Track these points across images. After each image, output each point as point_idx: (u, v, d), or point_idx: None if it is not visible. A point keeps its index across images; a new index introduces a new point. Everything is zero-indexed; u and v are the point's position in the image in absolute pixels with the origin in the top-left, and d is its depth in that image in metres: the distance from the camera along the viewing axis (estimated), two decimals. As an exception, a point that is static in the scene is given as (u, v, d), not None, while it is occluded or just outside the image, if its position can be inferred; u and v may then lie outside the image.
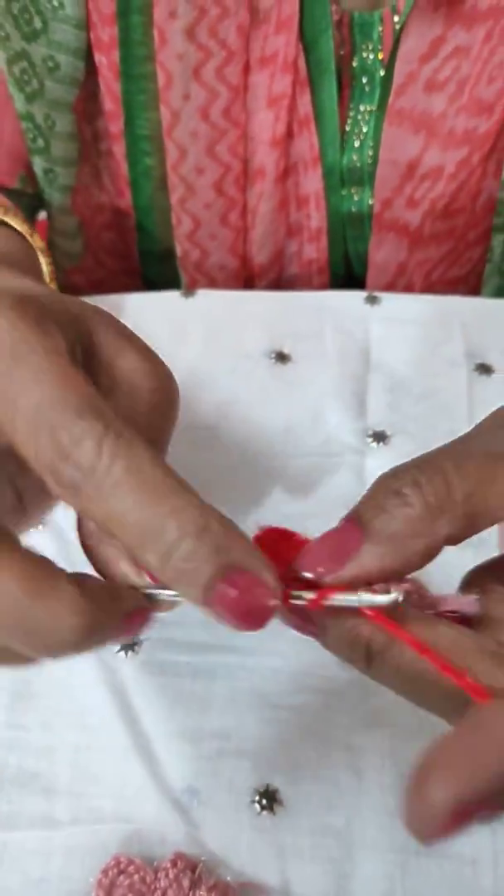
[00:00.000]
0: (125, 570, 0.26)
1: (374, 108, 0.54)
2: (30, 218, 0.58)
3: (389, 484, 0.25)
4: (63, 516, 0.38)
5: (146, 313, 0.53)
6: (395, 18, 0.51)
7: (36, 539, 0.41)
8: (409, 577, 0.26)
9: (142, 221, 0.59)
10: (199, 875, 0.33)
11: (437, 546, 0.25)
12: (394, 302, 0.54)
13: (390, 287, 0.59)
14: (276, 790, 0.35)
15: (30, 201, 0.57)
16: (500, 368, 0.50)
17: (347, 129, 0.55)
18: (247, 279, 0.60)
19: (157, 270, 0.61)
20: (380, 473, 0.26)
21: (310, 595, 0.25)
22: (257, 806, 0.35)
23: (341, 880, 0.33)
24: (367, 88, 0.54)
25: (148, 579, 0.26)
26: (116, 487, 0.23)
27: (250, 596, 0.23)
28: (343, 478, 0.45)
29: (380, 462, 0.46)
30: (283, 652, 0.38)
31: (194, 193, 0.56)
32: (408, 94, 0.52)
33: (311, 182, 0.56)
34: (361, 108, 0.54)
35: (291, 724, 0.37)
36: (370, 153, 0.55)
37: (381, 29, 0.52)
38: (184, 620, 0.37)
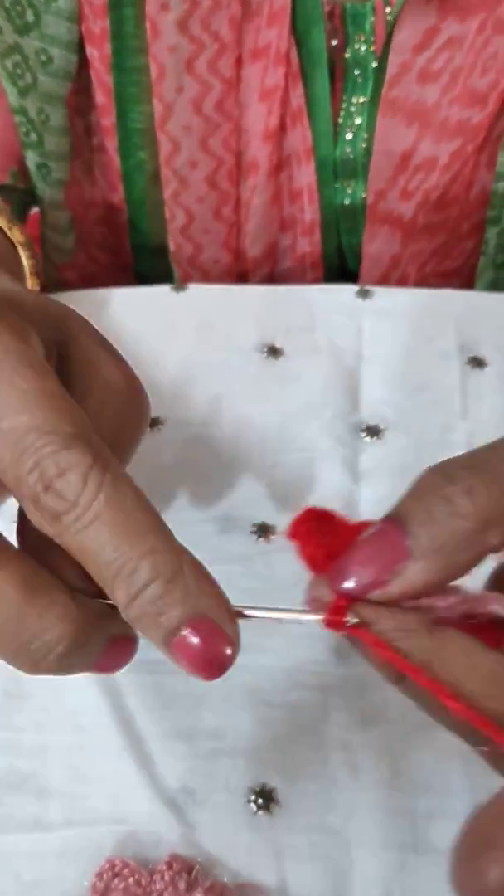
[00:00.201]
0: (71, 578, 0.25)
1: (366, 99, 0.54)
2: (21, 214, 0.58)
3: (439, 487, 0.24)
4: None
5: (136, 308, 0.53)
6: (388, 10, 0.51)
7: None
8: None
9: (134, 216, 0.59)
10: (196, 877, 0.32)
11: (484, 556, 0.24)
12: (386, 295, 0.53)
13: (384, 280, 0.58)
14: (273, 789, 0.35)
15: (21, 196, 0.57)
16: (494, 362, 0.50)
17: (340, 121, 0.55)
18: (240, 274, 0.59)
19: (150, 266, 0.61)
20: (426, 469, 0.24)
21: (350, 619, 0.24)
22: (253, 805, 0.35)
23: (339, 879, 0.33)
24: (359, 80, 0.53)
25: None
26: (96, 522, 0.22)
27: (211, 647, 0.23)
28: (337, 472, 0.45)
29: (373, 456, 0.46)
30: (276, 649, 0.38)
31: (187, 187, 0.55)
32: (401, 84, 0.52)
33: (305, 175, 0.55)
34: (354, 99, 0.54)
35: (287, 721, 0.36)
36: (363, 145, 0.55)
37: (373, 20, 0.52)
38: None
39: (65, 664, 0.24)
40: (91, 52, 0.52)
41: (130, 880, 0.32)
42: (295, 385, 0.49)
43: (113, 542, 0.22)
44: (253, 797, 0.35)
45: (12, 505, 0.25)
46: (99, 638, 0.24)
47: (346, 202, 0.57)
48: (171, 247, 0.58)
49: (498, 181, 0.55)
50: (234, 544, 0.41)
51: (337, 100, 0.54)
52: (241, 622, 0.24)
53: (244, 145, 0.54)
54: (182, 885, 0.32)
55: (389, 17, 0.51)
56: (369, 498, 0.44)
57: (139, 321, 0.52)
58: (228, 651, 0.23)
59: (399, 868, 0.33)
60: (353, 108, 0.54)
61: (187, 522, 0.42)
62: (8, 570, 0.23)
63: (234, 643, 0.23)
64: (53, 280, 0.62)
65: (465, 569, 0.24)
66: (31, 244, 0.47)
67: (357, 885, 0.33)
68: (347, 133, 0.55)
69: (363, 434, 0.47)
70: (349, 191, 0.57)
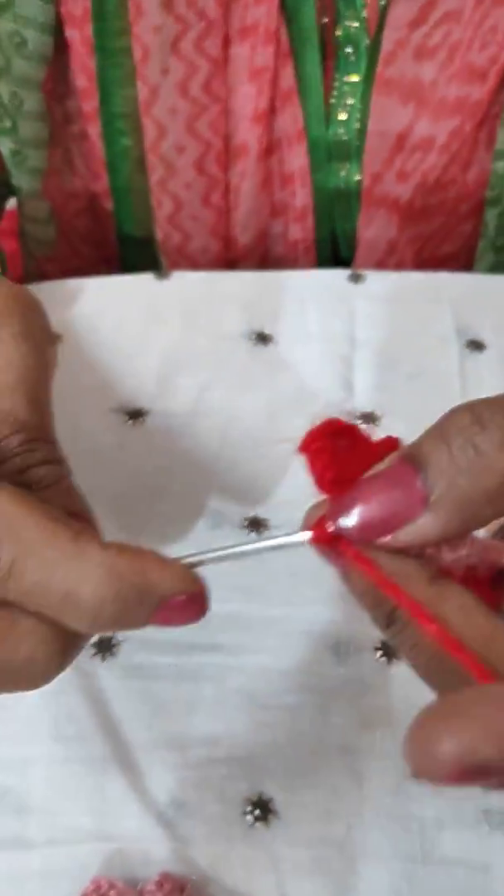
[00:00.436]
0: None
1: (360, 78, 0.53)
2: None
3: (468, 431, 0.21)
4: None
5: (119, 297, 0.51)
6: (380, -15, 0.50)
7: None
8: None
9: (119, 205, 0.57)
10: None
11: None
12: (378, 279, 0.52)
13: (380, 266, 0.57)
14: (270, 799, 0.33)
15: None
16: (492, 344, 0.49)
17: (332, 101, 0.54)
18: (230, 262, 0.58)
19: (137, 257, 0.60)
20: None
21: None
22: (250, 817, 0.33)
23: (344, 894, 0.31)
24: (351, 58, 0.52)
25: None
26: (15, 567, 0.22)
27: (184, 614, 0.23)
28: (333, 463, 0.43)
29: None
30: (272, 649, 0.37)
31: (174, 173, 0.54)
32: (397, 62, 0.50)
33: (296, 158, 0.54)
34: (346, 78, 0.53)
35: (284, 726, 0.35)
36: (357, 126, 0.54)
37: (365, -5, 0.50)
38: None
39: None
40: (71, 34, 0.50)
41: (118, 901, 0.30)
42: (285, 373, 0.47)
43: (42, 580, 0.22)
44: (249, 808, 0.33)
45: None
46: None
47: (340, 186, 0.56)
48: (159, 236, 0.57)
49: (497, 160, 0.54)
50: (225, 539, 0.39)
51: (328, 79, 0.53)
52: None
53: (233, 128, 0.53)
54: (174, 905, 0.30)
55: (382, -8, 0.49)
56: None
57: (121, 310, 0.50)
58: (201, 601, 0.24)
59: (408, 880, 0.32)
60: (345, 88, 0.53)
61: (176, 518, 0.40)
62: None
63: (203, 593, 0.24)
64: (35, 274, 0.61)
65: (483, 524, 0.22)
66: None
67: (363, 900, 0.31)
68: (340, 113, 0.54)
69: (359, 422, 0.45)
70: (342, 173, 0.56)
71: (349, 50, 0.52)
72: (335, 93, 0.53)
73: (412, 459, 0.22)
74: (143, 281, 0.52)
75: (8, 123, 0.52)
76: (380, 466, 0.23)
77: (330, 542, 0.22)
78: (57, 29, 0.50)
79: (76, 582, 0.22)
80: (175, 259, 0.58)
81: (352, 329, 0.50)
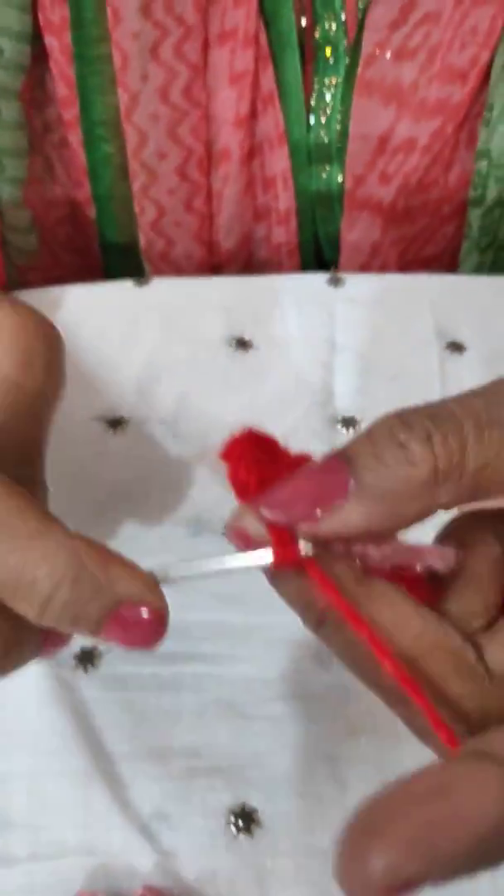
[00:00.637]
0: None
1: (339, 80, 0.52)
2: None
3: (395, 431, 0.22)
4: None
5: (99, 305, 0.51)
6: (357, -14, 0.50)
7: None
8: None
9: (101, 213, 0.57)
10: (172, 908, 0.31)
11: (433, 512, 0.22)
12: (358, 282, 0.52)
13: (365, 268, 0.57)
14: (254, 809, 0.33)
15: None
16: (472, 346, 0.49)
17: (313, 103, 0.53)
18: (214, 267, 0.58)
19: (120, 264, 0.59)
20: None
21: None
22: (233, 828, 0.33)
23: None
24: (331, 60, 0.52)
25: None
26: None
27: (140, 627, 0.22)
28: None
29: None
30: (254, 658, 0.36)
31: (157, 180, 0.54)
32: (377, 64, 0.50)
33: (278, 161, 0.54)
34: (326, 80, 0.53)
35: (267, 735, 0.35)
36: (338, 128, 0.54)
37: (343, -4, 0.50)
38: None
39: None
40: (50, 42, 0.50)
41: (100, 915, 0.30)
42: (265, 378, 0.47)
43: (2, 557, 0.21)
44: (233, 819, 0.33)
45: None
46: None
47: (322, 188, 0.56)
48: (142, 243, 0.57)
49: (479, 160, 0.53)
50: (206, 547, 0.40)
51: (308, 81, 0.53)
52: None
53: (214, 133, 0.53)
54: (157, 919, 0.30)
55: (360, -7, 0.49)
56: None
57: (101, 318, 0.50)
58: (159, 620, 0.23)
59: None
60: (325, 90, 0.53)
61: (156, 526, 0.40)
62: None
63: (163, 611, 0.23)
64: (17, 282, 0.61)
65: (409, 521, 0.22)
66: None
67: (346, 911, 0.31)
68: (321, 116, 0.54)
69: (339, 426, 0.45)
70: (324, 176, 0.55)
71: (329, 52, 0.52)
72: (315, 95, 0.53)
73: (341, 455, 0.22)
74: (122, 288, 0.52)
75: None
76: (309, 466, 0.23)
77: (295, 565, 0.22)
78: (35, 37, 0.50)
79: (35, 561, 0.21)
80: (158, 265, 0.58)
81: (332, 333, 0.49)
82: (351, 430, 0.45)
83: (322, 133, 0.54)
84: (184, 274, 0.57)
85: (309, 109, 0.53)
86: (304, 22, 0.51)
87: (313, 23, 0.51)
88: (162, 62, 0.50)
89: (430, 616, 0.22)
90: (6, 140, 0.52)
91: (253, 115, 0.52)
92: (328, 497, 0.22)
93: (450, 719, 0.21)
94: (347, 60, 0.51)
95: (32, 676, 0.35)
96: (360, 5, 0.49)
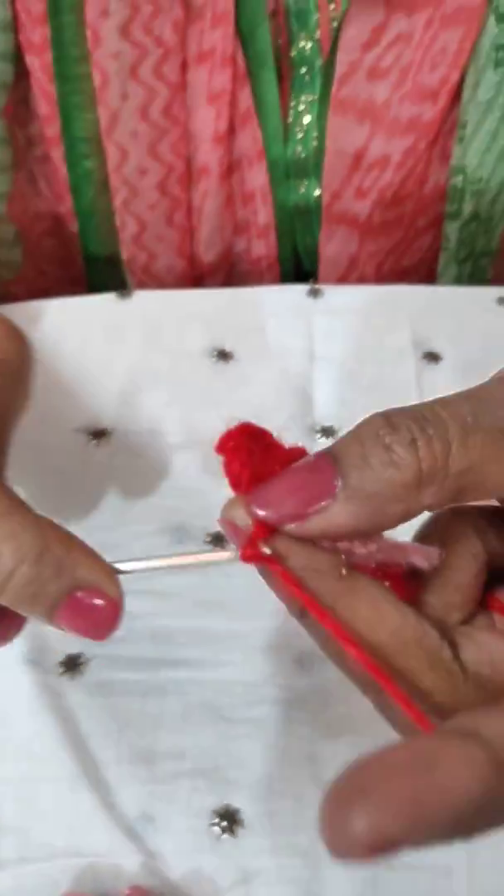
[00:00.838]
0: None
1: (315, 97, 0.53)
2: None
3: (381, 434, 0.22)
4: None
5: (82, 318, 0.51)
6: (331, 6, 0.51)
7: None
8: None
9: (84, 227, 0.58)
10: (158, 907, 0.31)
11: (417, 513, 0.23)
12: (337, 294, 0.53)
13: (343, 280, 0.58)
14: (237, 810, 0.34)
15: None
16: (448, 356, 0.49)
17: (290, 120, 0.54)
18: (195, 280, 0.58)
19: (103, 277, 0.60)
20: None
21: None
22: (217, 828, 0.33)
23: None
24: (306, 78, 0.53)
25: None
26: None
27: (95, 614, 0.23)
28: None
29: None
30: (236, 662, 0.37)
31: (137, 195, 0.55)
32: (351, 83, 0.51)
33: (257, 177, 0.55)
34: (302, 98, 0.53)
35: (249, 738, 0.35)
36: (314, 143, 0.54)
37: (317, 16, 0.51)
38: (130, 636, 0.36)
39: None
40: (31, 61, 0.51)
41: (87, 916, 0.30)
42: (246, 389, 0.48)
43: None
44: (216, 820, 0.33)
45: None
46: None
47: (300, 203, 0.56)
48: (124, 256, 0.57)
49: (454, 175, 0.54)
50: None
51: (284, 99, 0.53)
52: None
53: (193, 150, 0.53)
54: (143, 918, 0.30)
55: (334, 14, 0.50)
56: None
57: (84, 331, 0.50)
58: (113, 611, 0.23)
59: (372, 886, 0.32)
60: (301, 107, 0.54)
61: (139, 534, 0.40)
62: None
63: (118, 603, 0.23)
64: (1, 296, 0.61)
65: (394, 522, 0.23)
66: None
67: (328, 907, 0.31)
68: (297, 132, 0.54)
69: (318, 435, 0.46)
70: (302, 190, 0.56)
71: (304, 70, 0.52)
72: (292, 112, 0.54)
73: (328, 454, 0.23)
74: (104, 301, 0.52)
75: None
76: (299, 462, 0.24)
77: (259, 561, 0.23)
78: (17, 56, 0.50)
79: (1, 537, 0.22)
80: (141, 278, 0.58)
81: (310, 344, 0.50)
82: (330, 438, 0.45)
83: (299, 149, 0.55)
84: (166, 287, 0.58)
85: (286, 126, 0.54)
86: (279, 41, 0.51)
87: (289, 43, 0.52)
88: (141, 81, 0.50)
89: (409, 612, 0.23)
90: None
91: (231, 132, 0.53)
92: (315, 496, 0.22)
93: (423, 710, 0.22)
94: (322, 79, 0.52)
95: (19, 683, 0.36)
96: (334, 25, 0.50)
